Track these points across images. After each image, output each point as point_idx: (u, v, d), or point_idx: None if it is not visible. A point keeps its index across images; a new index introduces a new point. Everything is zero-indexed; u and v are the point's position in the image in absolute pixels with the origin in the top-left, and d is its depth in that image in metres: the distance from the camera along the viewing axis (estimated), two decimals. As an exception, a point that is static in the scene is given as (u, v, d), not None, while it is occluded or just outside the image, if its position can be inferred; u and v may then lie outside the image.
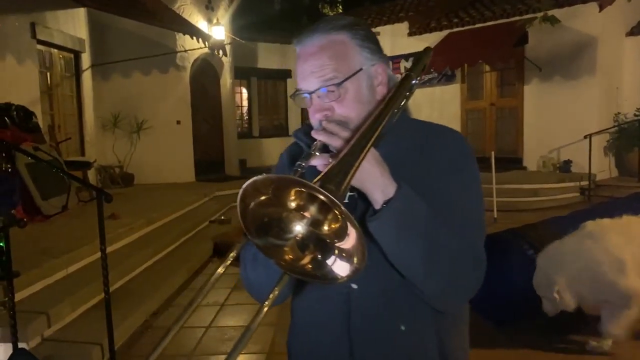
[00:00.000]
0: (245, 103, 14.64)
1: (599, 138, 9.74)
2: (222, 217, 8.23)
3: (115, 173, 9.82)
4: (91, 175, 8.65)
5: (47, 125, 7.69)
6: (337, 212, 0.86)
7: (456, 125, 11.74)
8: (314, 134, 1.06)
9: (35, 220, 5.83)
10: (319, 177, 0.89)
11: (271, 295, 0.92)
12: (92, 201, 6.79)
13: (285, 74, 14.94)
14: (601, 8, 9.49)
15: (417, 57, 1.33)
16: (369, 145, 0.97)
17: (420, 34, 12.06)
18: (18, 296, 3.44)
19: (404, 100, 1.20)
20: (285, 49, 14.81)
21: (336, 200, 0.82)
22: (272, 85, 15.14)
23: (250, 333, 0.90)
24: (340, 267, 0.90)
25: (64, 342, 3.66)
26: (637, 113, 9.86)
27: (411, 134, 1.21)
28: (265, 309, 0.91)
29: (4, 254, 3.28)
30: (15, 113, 6.41)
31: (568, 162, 10.05)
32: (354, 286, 1.15)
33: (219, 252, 6.58)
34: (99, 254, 3.88)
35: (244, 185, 0.88)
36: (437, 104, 11.92)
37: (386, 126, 1.05)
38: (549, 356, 3.50)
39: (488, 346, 3.64)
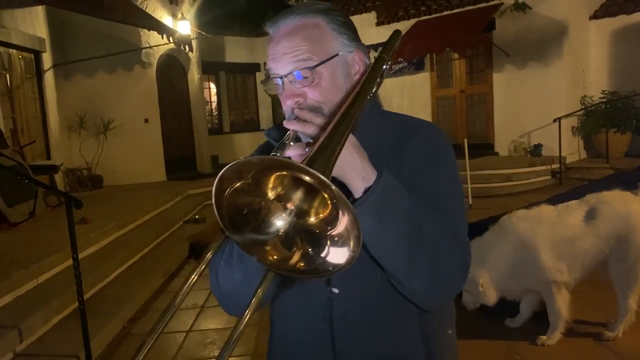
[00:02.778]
0: (214, 98, 14.41)
1: (568, 121, 9.89)
2: (197, 217, 8.08)
3: (83, 175, 9.56)
4: (58, 178, 8.38)
5: (9, 129, 7.40)
6: (326, 195, 0.78)
7: (427, 114, 11.79)
8: (286, 124, 0.97)
9: (2, 228, 5.62)
10: (302, 160, 0.80)
11: (253, 301, 0.84)
12: (60, 206, 6.58)
13: (254, 68, 14.76)
14: (566, -8, 9.61)
15: (387, 40, 1.23)
16: (347, 130, 0.88)
17: (389, 23, 12.02)
18: (-14, 311, 3.30)
19: (376, 87, 1.12)
20: (252, 42, 14.63)
21: (326, 180, 0.74)
22: (241, 80, 14.93)
23: (234, 342, 0.83)
24: (335, 256, 0.81)
25: (38, 356, 3.52)
26: (602, 95, 10.04)
27: (383, 127, 1.15)
28: (248, 315, 0.83)
29: (-31, 268, 3.13)
30: (-26, 118, 6.16)
31: (539, 146, 10.18)
32: (335, 290, 1.10)
33: (195, 253, 6.45)
34: (70, 262, 3.74)
35: (221, 171, 0.78)
36: (407, 93, 11.95)
37: (360, 114, 0.96)
38: (533, 348, 3.49)
39: (474, 337, 3.64)
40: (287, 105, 1.09)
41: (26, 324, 3.63)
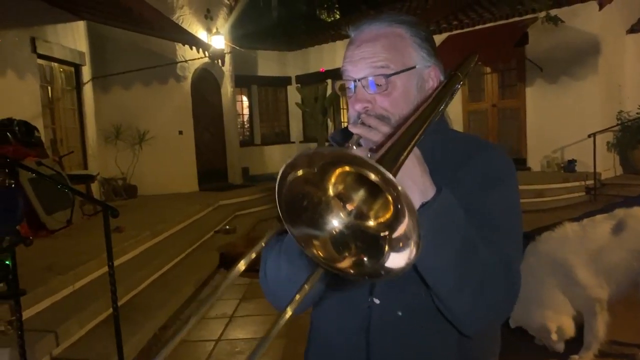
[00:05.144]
0: (246, 111, 14.62)
1: (603, 136, 9.70)
2: (227, 227, 8.19)
3: (119, 185, 9.79)
4: (94, 188, 8.62)
5: (49, 140, 7.66)
6: (390, 196, 0.76)
7: (458, 128, 11.61)
8: (351, 128, 0.98)
9: (40, 235, 5.79)
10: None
11: (297, 297, 0.82)
12: (96, 214, 6.76)
13: (286, 81, 14.95)
14: (601, 7, 9.47)
15: (463, 60, 1.23)
16: (415, 138, 0.87)
17: (420, 37, 12.04)
18: (25, 315, 3.40)
19: (444, 105, 1.09)
20: (284, 56, 14.82)
21: (394, 179, 0.72)
22: (272, 93, 15.13)
23: (268, 340, 0.81)
24: (391, 260, 0.79)
25: (73, 360, 3.63)
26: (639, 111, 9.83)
27: (448, 144, 1.14)
28: (289, 311, 0.81)
29: (11, 273, 3.25)
30: (17, 128, 6.40)
31: (572, 162, 10.01)
32: (377, 301, 1.10)
33: (225, 263, 6.54)
34: (105, 269, 3.85)
35: (291, 159, 0.77)
36: (439, 107, 11.89)
37: (428, 128, 0.94)
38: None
39: (502, 355, 3.59)
40: (355, 109, 1.10)
41: (62, 328, 3.74)
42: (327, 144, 1.27)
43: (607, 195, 9.04)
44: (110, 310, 3.72)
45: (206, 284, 5.92)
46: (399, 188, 0.73)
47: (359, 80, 1.09)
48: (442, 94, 1.06)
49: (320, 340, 1.24)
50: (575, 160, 9.96)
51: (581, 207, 8.29)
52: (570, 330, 3.43)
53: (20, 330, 3.13)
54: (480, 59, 10.38)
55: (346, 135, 1.04)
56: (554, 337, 3.36)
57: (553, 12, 9.83)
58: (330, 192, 0.81)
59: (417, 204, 0.93)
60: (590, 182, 9.43)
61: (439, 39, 11.54)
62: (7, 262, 3.41)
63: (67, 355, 3.70)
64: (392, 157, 0.79)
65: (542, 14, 9.89)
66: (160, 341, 4.36)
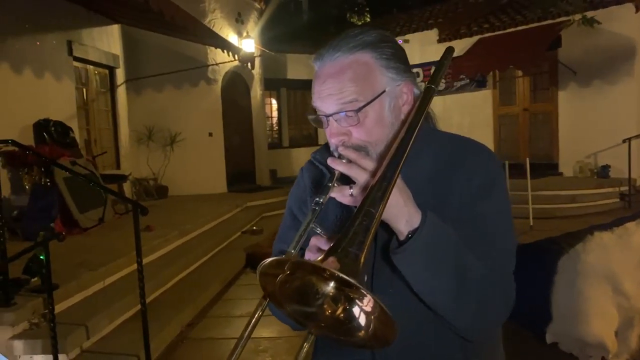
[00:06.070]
0: (275, 114, 14.74)
1: (638, 142, 9.45)
2: (254, 228, 8.28)
3: (150, 185, 9.98)
4: (126, 188, 8.81)
5: (83, 140, 7.87)
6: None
7: (488, 132, 11.59)
8: (330, 163, 0.97)
9: (73, 233, 5.95)
10: (336, 241, 0.83)
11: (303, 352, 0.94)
12: (127, 213, 6.91)
13: (315, 84, 15.00)
14: (637, 9, 9.25)
15: (439, 62, 1.20)
16: (393, 182, 0.89)
17: (450, 40, 11.95)
18: (57, 308, 3.51)
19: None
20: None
21: (353, 281, 0.78)
22: (301, 96, 15.21)
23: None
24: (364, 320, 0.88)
25: (102, 353, 3.72)
26: (677, 115, 9.55)
27: (436, 149, 1.13)
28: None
29: (44, 267, 3.36)
30: (53, 129, 6.60)
31: (606, 167, 9.78)
32: None
33: (252, 263, 6.61)
34: (135, 266, 3.94)
35: (258, 275, 0.87)
36: (468, 110, 11.79)
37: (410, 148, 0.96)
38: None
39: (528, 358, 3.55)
40: (331, 142, 1.09)
41: (92, 322, 3.84)
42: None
43: (642, 201, 8.82)
44: (139, 306, 3.81)
45: (233, 283, 5.99)
46: (360, 288, 0.79)
47: (330, 116, 1.08)
48: (418, 115, 1.03)
49: (326, 352, 1.24)
50: (609, 166, 9.73)
51: (615, 214, 8.08)
52: (615, 344, 3.35)
53: (53, 323, 3.23)
54: (512, 62, 10.29)
55: (328, 154, 1.04)
56: (611, 354, 3.27)
57: (588, 14, 9.64)
58: (308, 277, 0.88)
59: (404, 232, 0.95)
60: (624, 188, 9.21)
61: (470, 41, 11.46)
62: (41, 257, 3.53)
63: (97, 348, 3.80)
64: (361, 231, 0.83)
65: (578, 16, 9.70)
66: (187, 338, 4.43)
